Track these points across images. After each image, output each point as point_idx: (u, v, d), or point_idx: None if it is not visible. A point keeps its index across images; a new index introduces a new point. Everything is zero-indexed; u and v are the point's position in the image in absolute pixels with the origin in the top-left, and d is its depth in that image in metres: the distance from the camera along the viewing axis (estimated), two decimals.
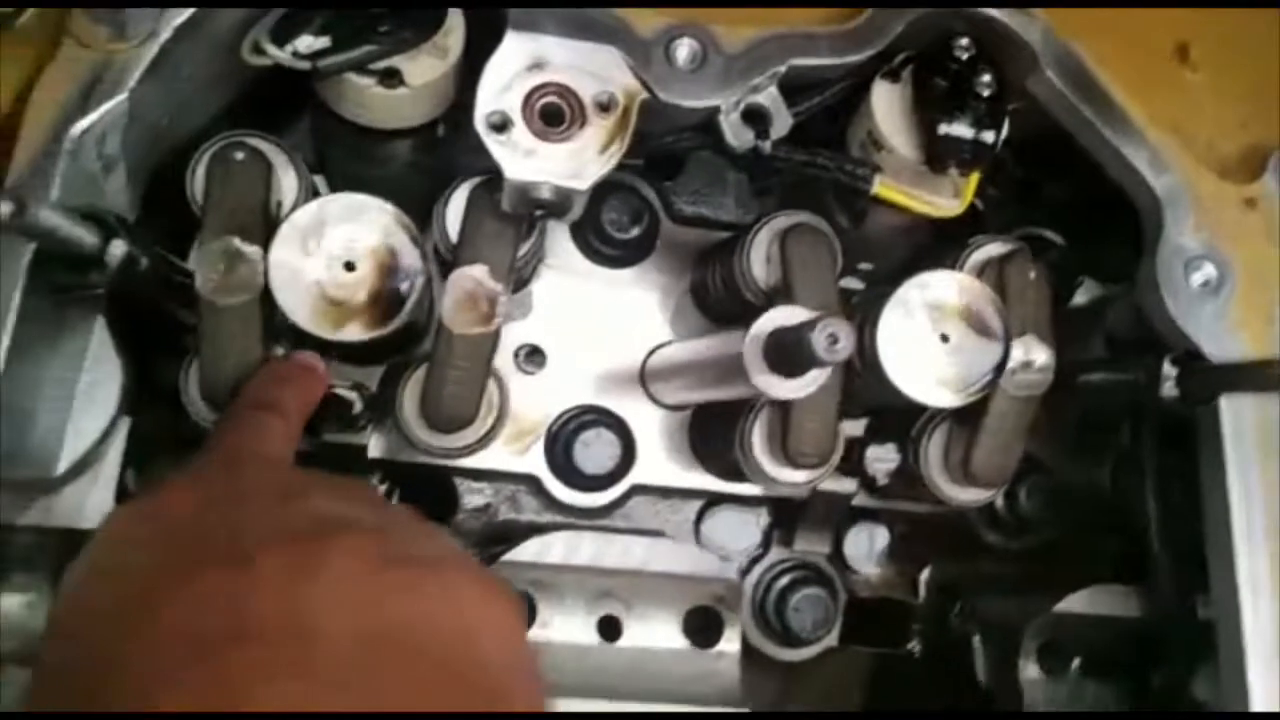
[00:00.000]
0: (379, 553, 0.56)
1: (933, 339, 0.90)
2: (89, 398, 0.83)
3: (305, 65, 0.81)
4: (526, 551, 0.98)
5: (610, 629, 1.00)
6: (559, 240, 1.12)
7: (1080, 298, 1.13)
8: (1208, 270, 0.91)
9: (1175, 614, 0.96)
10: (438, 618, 0.55)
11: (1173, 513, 0.98)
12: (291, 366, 0.83)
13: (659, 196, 1.14)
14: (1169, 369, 0.88)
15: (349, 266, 0.82)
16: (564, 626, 0.97)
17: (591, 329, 1.12)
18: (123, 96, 0.78)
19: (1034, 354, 0.93)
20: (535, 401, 1.09)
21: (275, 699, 0.48)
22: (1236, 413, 0.88)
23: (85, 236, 0.71)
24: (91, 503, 0.85)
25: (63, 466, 0.82)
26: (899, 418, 1.01)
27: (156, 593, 0.53)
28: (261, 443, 0.72)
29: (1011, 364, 0.92)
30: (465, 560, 0.63)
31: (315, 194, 0.90)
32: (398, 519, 0.65)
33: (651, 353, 1.13)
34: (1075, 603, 1.00)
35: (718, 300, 1.09)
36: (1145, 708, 1.02)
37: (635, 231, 1.12)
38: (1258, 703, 0.84)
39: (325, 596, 0.53)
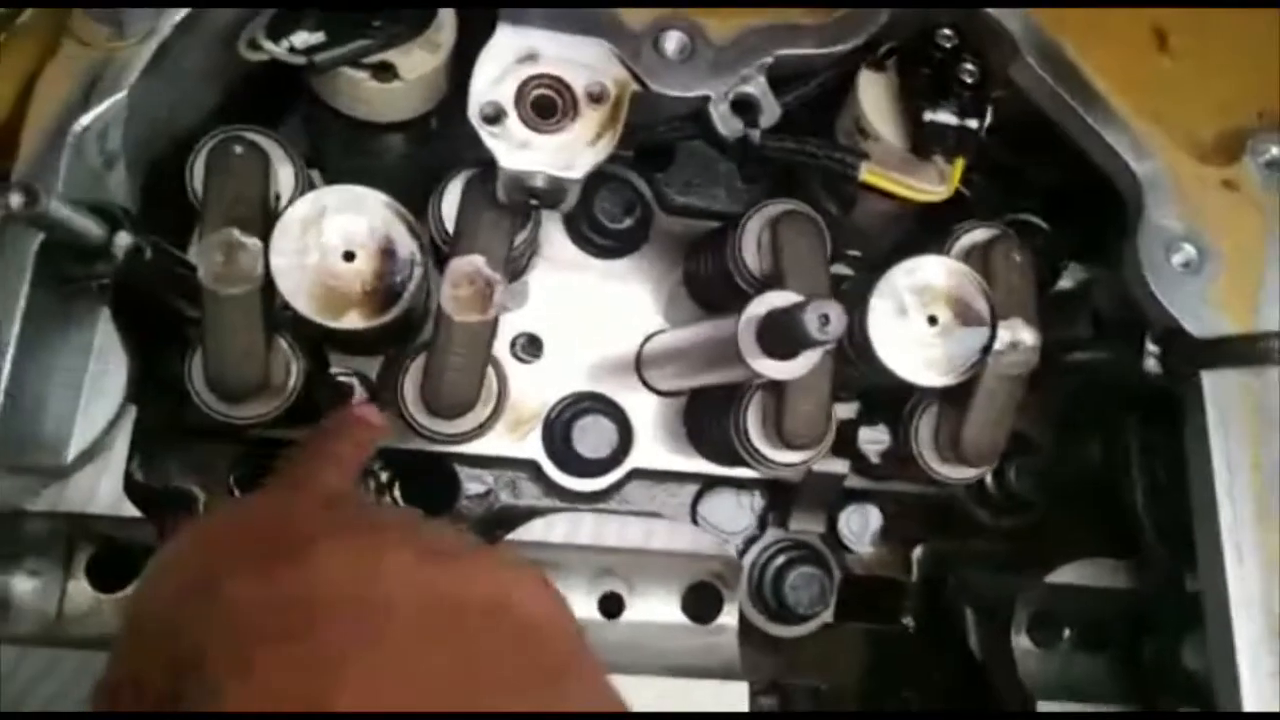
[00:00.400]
0: (427, 544, 0.58)
1: (921, 322, 0.92)
2: (96, 387, 0.85)
3: (301, 60, 0.82)
4: (530, 532, 1.00)
5: (612, 606, 1.02)
6: (554, 231, 1.14)
7: (1066, 281, 1.15)
8: (1188, 251, 0.93)
9: (1164, 586, 0.98)
10: (498, 595, 0.56)
11: (1159, 487, 1.00)
12: (350, 420, 0.84)
13: (651, 187, 1.16)
14: (1151, 346, 0.90)
15: (348, 256, 0.84)
16: None
17: (587, 318, 1.14)
18: (123, 93, 0.80)
19: (1020, 335, 0.95)
20: (533, 389, 1.11)
21: (361, 674, 0.48)
22: (1219, 387, 0.90)
23: (92, 228, 0.73)
24: (101, 489, 0.87)
25: (73, 454, 0.84)
26: (890, 399, 1.03)
27: (223, 580, 0.54)
28: (312, 480, 0.74)
29: (999, 345, 0.94)
30: (507, 552, 0.65)
31: (312, 187, 0.92)
32: (439, 524, 0.67)
33: (646, 340, 1.15)
34: (1066, 574, 1.02)
35: (711, 288, 1.11)
36: (1136, 677, 1.04)
37: (628, 222, 1.14)
38: (1245, 670, 0.86)
39: (388, 576, 0.54)
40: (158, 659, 0.54)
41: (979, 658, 1.08)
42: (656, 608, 1.01)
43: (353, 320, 0.84)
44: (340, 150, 0.98)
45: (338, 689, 0.48)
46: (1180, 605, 0.97)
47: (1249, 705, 0.85)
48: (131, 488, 0.94)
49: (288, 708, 0.47)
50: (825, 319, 0.76)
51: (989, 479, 1.12)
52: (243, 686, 0.48)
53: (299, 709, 0.47)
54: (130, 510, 0.87)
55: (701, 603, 1.05)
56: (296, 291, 0.83)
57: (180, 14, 0.82)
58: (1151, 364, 0.90)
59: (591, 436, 1.12)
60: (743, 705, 0.94)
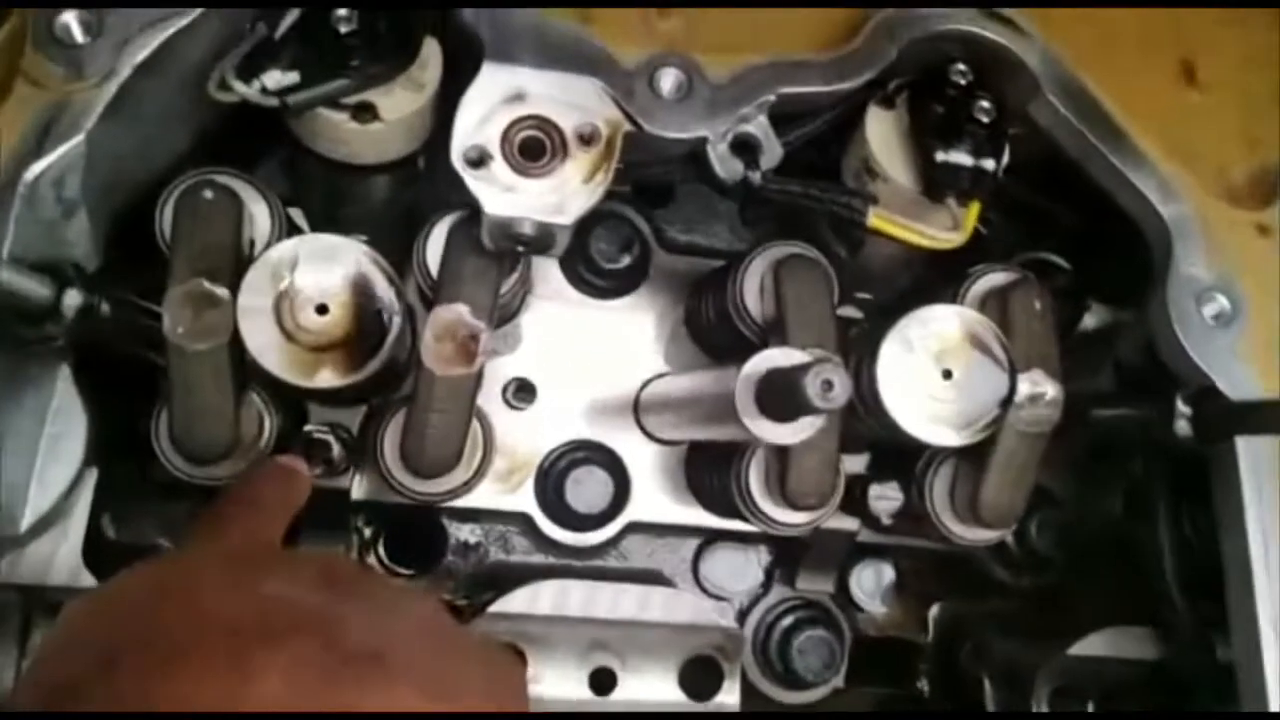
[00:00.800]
0: (326, 655, 0.53)
1: (935, 376, 0.87)
2: (53, 452, 0.80)
3: (274, 102, 0.78)
4: (515, 602, 0.94)
5: (604, 682, 0.96)
6: (548, 270, 1.09)
7: (1089, 321, 1.09)
8: (1220, 302, 0.87)
9: (1192, 654, 0.92)
10: None
11: (1187, 549, 0.94)
12: (274, 468, 0.80)
13: (650, 224, 1.11)
14: (1183, 407, 0.84)
15: (321, 310, 0.79)
16: (555, 681, 0.94)
17: (583, 362, 1.08)
18: (80, 138, 0.75)
19: (1042, 388, 0.90)
20: (525, 437, 1.06)
21: None
22: (1255, 453, 0.84)
23: (37, 289, 0.68)
24: (59, 557, 0.82)
25: (27, 522, 0.79)
26: (902, 454, 0.98)
27: (86, 693, 0.51)
28: (230, 533, 0.69)
29: (1018, 399, 0.88)
30: (444, 645, 0.59)
31: (292, 230, 0.87)
32: (366, 603, 0.59)
33: (645, 385, 1.09)
34: (1089, 645, 0.96)
35: (712, 331, 1.06)
36: None
37: (626, 261, 1.09)
38: None
39: (255, 704, 0.50)
40: None
41: None
42: (652, 684, 0.95)
43: (326, 379, 0.79)
44: (322, 193, 0.93)
45: None
46: (1210, 675, 0.91)
47: None
48: (103, 546, 0.90)
49: None
50: (829, 385, 0.70)
51: (1009, 536, 1.05)
52: None
53: None
54: (89, 580, 0.82)
55: (700, 678, 0.99)
56: (265, 349, 0.78)
57: (142, 54, 0.77)
58: (1183, 426, 0.84)
59: (587, 488, 1.07)
60: None
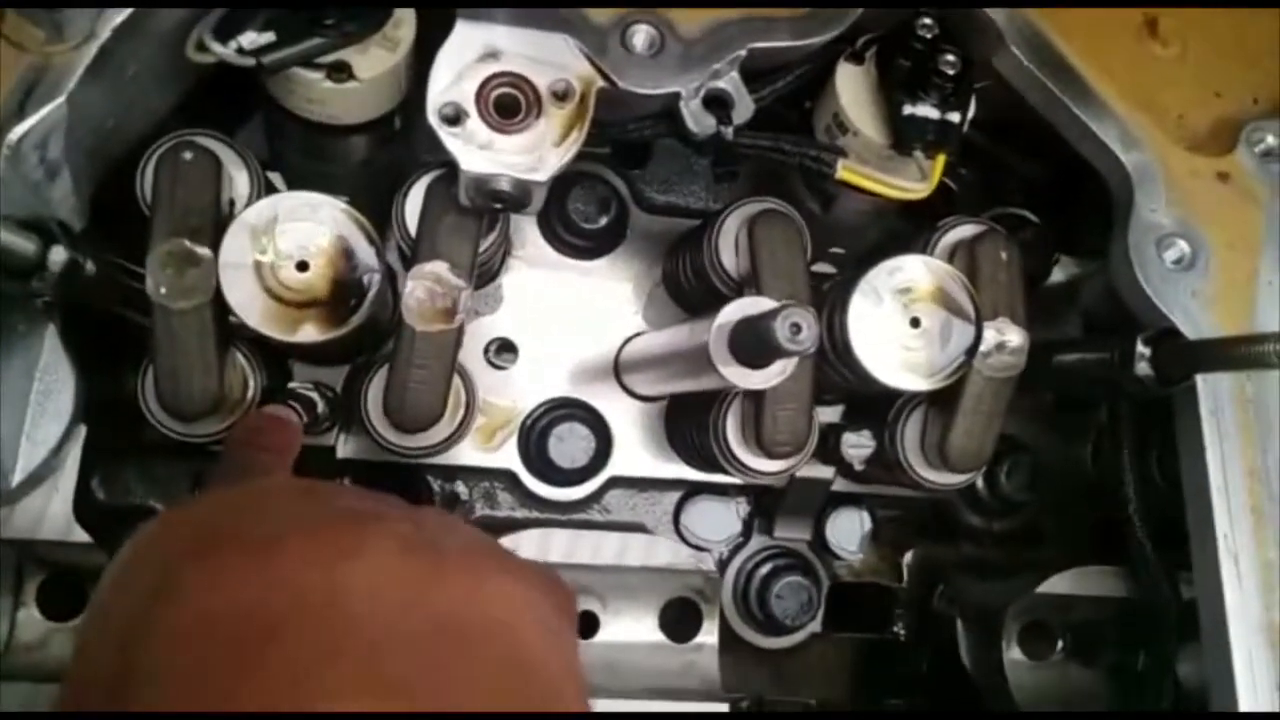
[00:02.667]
0: (418, 538, 0.53)
1: (904, 324, 0.89)
2: (42, 407, 0.81)
3: (250, 62, 0.78)
4: None
5: (587, 625, 0.99)
6: (527, 232, 1.11)
7: (1057, 275, 1.11)
8: (1181, 247, 0.89)
9: (1158, 592, 0.95)
10: (485, 610, 0.52)
11: (1152, 490, 0.96)
12: (266, 417, 0.82)
13: (628, 185, 1.13)
14: (1143, 348, 0.86)
15: (302, 266, 0.80)
16: None
17: (563, 321, 1.10)
18: (60, 100, 0.76)
19: (1008, 335, 0.92)
20: (508, 396, 1.08)
21: (316, 698, 0.44)
22: (1214, 391, 0.87)
23: (24, 244, 0.70)
24: (50, 513, 0.84)
25: (18, 478, 0.80)
26: (874, 403, 1.00)
27: (180, 588, 0.49)
28: (265, 466, 0.70)
29: (985, 346, 0.91)
30: (503, 552, 0.60)
31: (270, 191, 0.88)
32: (429, 513, 0.61)
33: (625, 344, 1.11)
34: (1058, 584, 0.99)
35: (690, 289, 1.07)
36: (1129, 689, 1.01)
37: (604, 221, 1.11)
38: (1242, 683, 0.83)
39: (363, 582, 0.49)
40: (104, 671, 0.50)
41: (969, 669, 1.05)
42: (633, 626, 0.98)
43: (309, 334, 0.81)
44: (300, 154, 0.94)
45: (309, 702, 0.44)
46: (1175, 612, 0.94)
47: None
48: (92, 506, 0.92)
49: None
50: (797, 328, 0.72)
51: (980, 482, 1.08)
52: (211, 702, 0.45)
53: None
54: (80, 535, 0.84)
55: (680, 620, 1.01)
56: (247, 305, 0.79)
57: (122, 15, 0.78)
58: (1144, 367, 0.87)
59: (569, 445, 1.09)
60: None
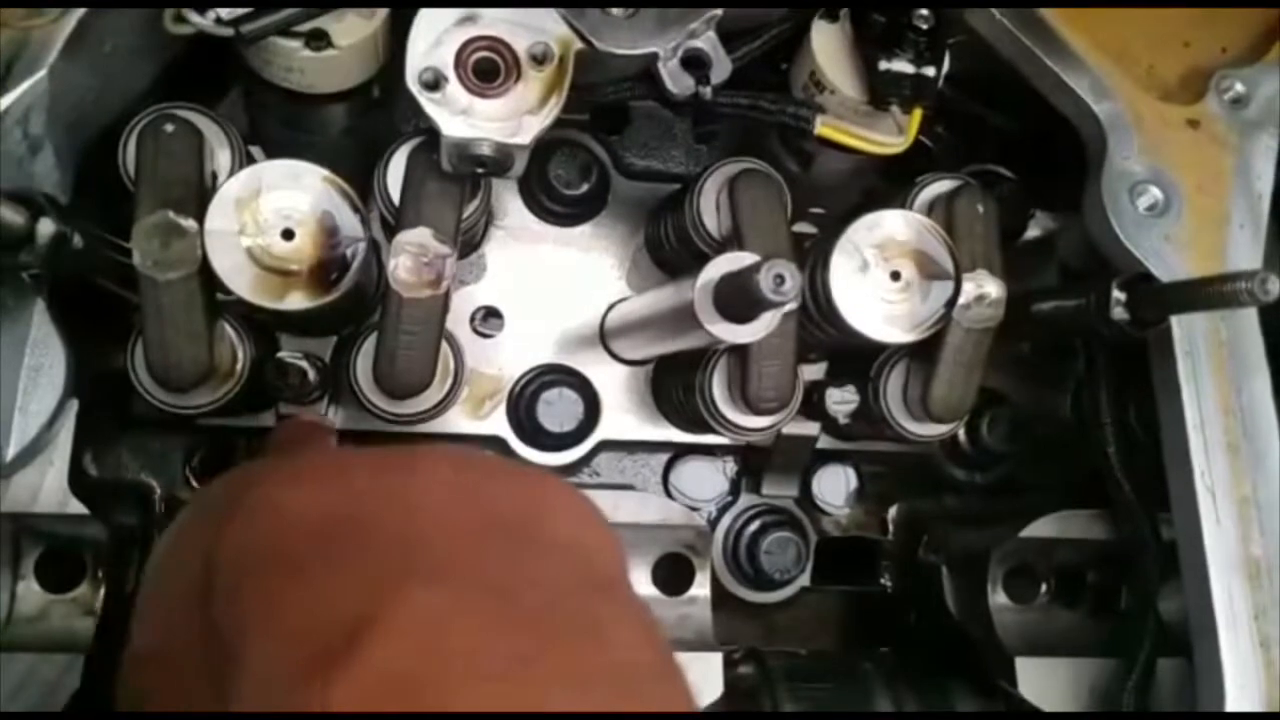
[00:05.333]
0: (466, 459, 0.58)
1: (884, 277, 0.90)
2: (34, 382, 0.82)
3: (228, 32, 0.79)
4: None
5: None
6: (509, 200, 1.11)
7: (1034, 230, 1.13)
8: (1153, 193, 0.91)
9: (1138, 533, 0.97)
10: (540, 509, 0.55)
11: (1131, 436, 0.98)
12: (299, 420, 0.86)
13: (608, 151, 1.13)
14: (1118, 293, 0.88)
15: (287, 235, 0.81)
16: None
17: (548, 288, 1.11)
18: (42, 73, 0.76)
19: (986, 287, 0.93)
20: (495, 364, 1.09)
21: (409, 589, 0.46)
22: (1188, 332, 0.89)
23: (12, 216, 0.70)
24: (46, 486, 0.85)
25: (12, 452, 0.81)
26: (857, 359, 1.01)
27: (271, 496, 0.52)
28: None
29: (964, 299, 0.92)
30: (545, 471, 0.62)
31: (252, 162, 0.88)
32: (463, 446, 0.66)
33: (610, 309, 1.12)
34: (1040, 528, 1.01)
35: (673, 253, 1.08)
36: (1113, 629, 1.03)
37: (585, 188, 1.11)
38: (1221, 617, 0.86)
39: (425, 491, 0.52)
40: (190, 583, 0.52)
41: (956, 616, 1.07)
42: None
43: (296, 301, 0.81)
44: (280, 125, 0.95)
45: (402, 595, 0.46)
46: (1156, 555, 0.96)
47: (1225, 652, 0.84)
48: (84, 482, 0.92)
49: (337, 625, 0.45)
50: (780, 279, 0.73)
51: (962, 435, 1.10)
52: (294, 597, 0.47)
53: (348, 625, 0.44)
54: (77, 507, 0.85)
55: (672, 574, 1.03)
56: (234, 273, 0.80)
57: None
58: (1119, 311, 0.88)
59: (557, 410, 1.10)
60: (717, 677, 0.93)
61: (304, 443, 0.80)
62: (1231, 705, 0.84)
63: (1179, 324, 0.88)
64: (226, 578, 0.50)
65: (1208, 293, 0.80)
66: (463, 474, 0.55)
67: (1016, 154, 1.14)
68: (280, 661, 0.45)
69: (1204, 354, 0.88)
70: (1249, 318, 0.91)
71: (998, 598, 1.04)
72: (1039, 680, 0.96)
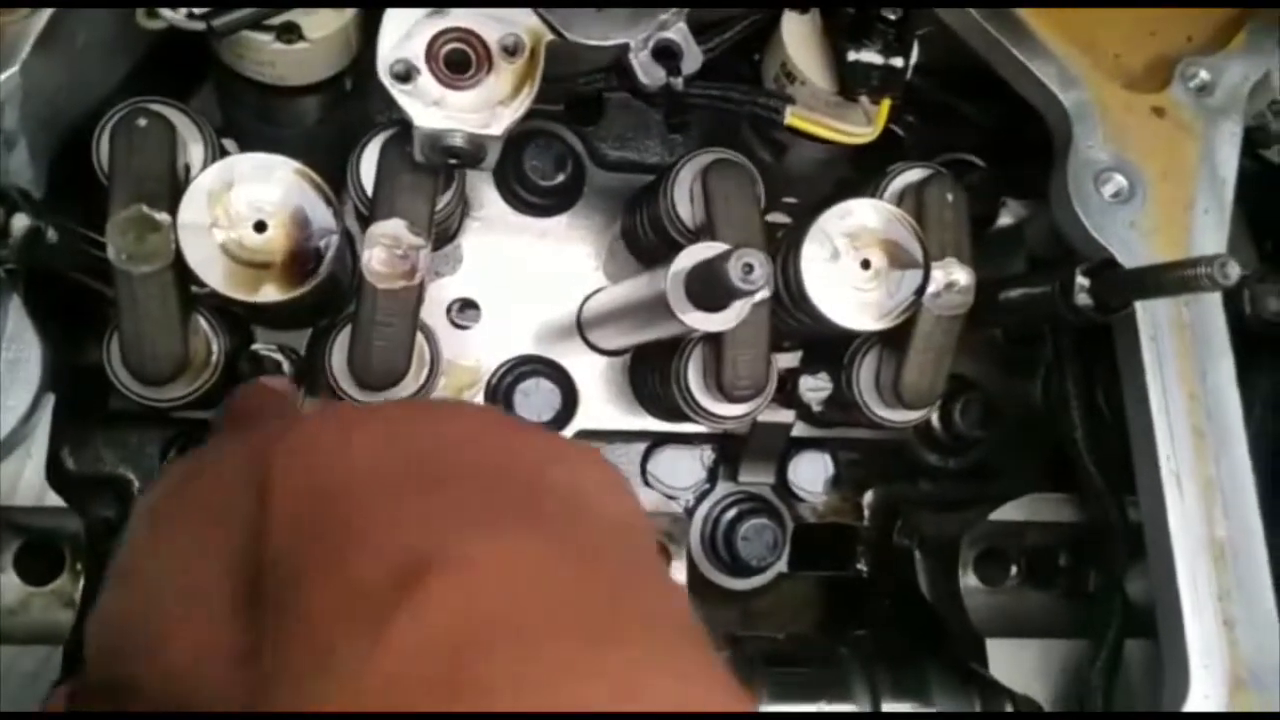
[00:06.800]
0: (499, 415, 0.58)
1: (854, 266, 0.91)
2: (11, 376, 0.82)
3: (200, 25, 0.79)
4: None
5: None
6: (485, 191, 1.12)
7: (1004, 218, 1.14)
8: (1118, 181, 0.92)
9: (1106, 515, 0.99)
10: (587, 480, 0.55)
11: (1098, 419, 1.00)
12: (260, 385, 0.85)
13: (583, 142, 1.14)
14: (1082, 279, 0.89)
15: (259, 227, 0.81)
16: None
17: (524, 279, 1.12)
18: (14, 69, 0.77)
19: (955, 275, 0.95)
20: (472, 355, 1.10)
21: (485, 527, 0.47)
22: (1152, 318, 0.90)
23: None
24: (24, 480, 0.85)
25: None
26: (830, 347, 1.02)
27: (350, 437, 0.52)
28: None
29: (934, 286, 0.93)
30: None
31: (225, 156, 0.89)
32: None
33: (586, 299, 1.13)
34: (1011, 511, 1.02)
35: (649, 243, 1.09)
36: (1082, 608, 1.05)
37: (560, 178, 1.12)
38: (1186, 597, 0.87)
39: (474, 441, 0.53)
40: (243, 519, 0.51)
41: (928, 599, 1.09)
42: None
43: (269, 294, 0.82)
44: (253, 118, 0.95)
45: (469, 538, 0.46)
46: (1123, 537, 0.97)
47: (1190, 630, 0.85)
48: (62, 476, 0.93)
49: (417, 553, 0.45)
50: (749, 268, 0.74)
51: (935, 421, 1.11)
52: (377, 532, 0.47)
53: (429, 555, 0.45)
54: (55, 500, 0.85)
55: None
56: (208, 266, 0.80)
57: None
58: (1083, 297, 0.89)
59: (535, 400, 1.11)
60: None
61: (266, 408, 0.79)
62: (1196, 684, 0.85)
63: (1143, 309, 0.90)
64: (285, 512, 0.49)
65: (1170, 278, 0.81)
66: (518, 433, 0.56)
67: (987, 142, 1.15)
68: (340, 594, 0.45)
69: (1168, 338, 0.90)
70: (1212, 302, 0.92)
71: (969, 580, 1.06)
72: (1009, 661, 0.98)
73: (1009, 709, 0.99)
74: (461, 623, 0.43)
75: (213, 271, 0.80)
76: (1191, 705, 0.83)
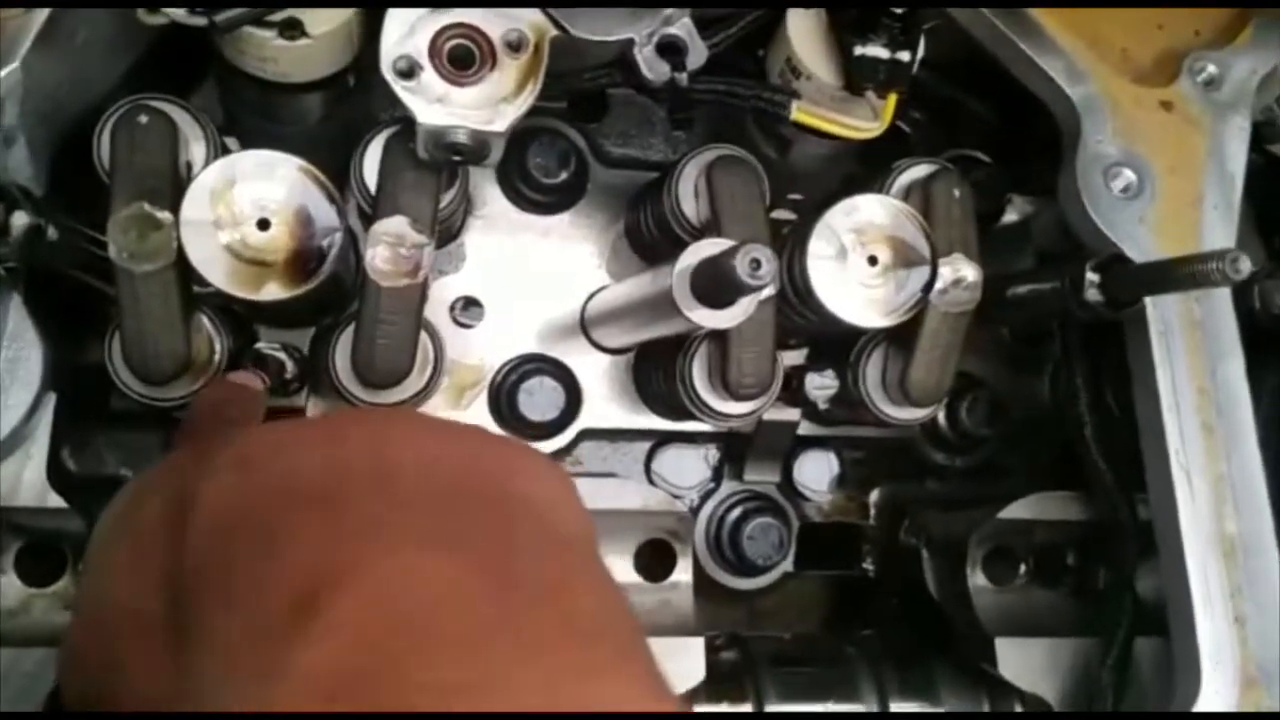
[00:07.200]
0: (436, 422, 0.58)
1: (861, 262, 0.90)
2: (11, 375, 0.82)
3: (202, 21, 0.79)
4: None
5: None
6: (488, 189, 1.11)
7: (1010, 215, 1.13)
8: (1127, 176, 0.91)
9: (1115, 513, 0.98)
10: (509, 469, 0.55)
11: (1107, 416, 0.99)
12: (227, 384, 0.84)
13: (586, 140, 1.13)
14: (1092, 274, 0.89)
15: (263, 225, 0.81)
16: None
17: (528, 277, 1.11)
18: (14, 66, 0.76)
19: (962, 271, 0.94)
20: (475, 353, 1.09)
21: (392, 539, 0.46)
22: (1162, 313, 0.89)
23: None
24: (25, 480, 0.84)
25: None
26: (837, 344, 1.02)
27: (249, 455, 0.52)
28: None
29: (941, 283, 0.92)
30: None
31: (227, 153, 0.88)
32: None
33: (590, 297, 1.13)
34: (1019, 510, 1.02)
35: (652, 240, 1.09)
36: (1091, 607, 1.04)
37: (564, 176, 1.11)
38: (1197, 593, 0.86)
39: (396, 452, 0.52)
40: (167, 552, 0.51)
41: (936, 598, 1.08)
42: (608, 567, 1.00)
43: (273, 291, 0.81)
44: (255, 116, 0.94)
45: (369, 554, 0.45)
46: (1133, 534, 0.97)
47: (1201, 627, 0.85)
48: (63, 476, 0.92)
49: (317, 575, 0.44)
50: (756, 263, 0.74)
51: (942, 419, 1.11)
52: (258, 562, 0.47)
53: (312, 589, 0.44)
54: (56, 500, 0.84)
55: (654, 560, 1.03)
56: (210, 265, 0.80)
57: None
58: (1093, 293, 0.89)
59: (538, 399, 1.10)
60: (699, 662, 0.93)
61: (222, 415, 0.78)
62: (1207, 681, 0.84)
63: (1153, 305, 0.89)
64: (196, 536, 0.50)
65: (1180, 273, 0.81)
66: (433, 436, 0.55)
67: (992, 139, 1.14)
68: (242, 621, 0.45)
69: (1178, 334, 0.89)
70: (1222, 298, 0.91)
71: (977, 579, 1.05)
72: (1018, 660, 0.97)
73: (1018, 708, 0.98)
74: (358, 647, 0.42)
75: (215, 270, 0.80)
76: (1203, 702, 0.83)
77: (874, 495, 1.17)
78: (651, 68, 0.89)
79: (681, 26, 0.90)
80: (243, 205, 0.80)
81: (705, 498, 1.15)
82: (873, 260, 0.91)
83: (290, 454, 0.52)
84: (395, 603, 0.44)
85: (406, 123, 0.85)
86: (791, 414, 1.07)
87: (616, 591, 0.52)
